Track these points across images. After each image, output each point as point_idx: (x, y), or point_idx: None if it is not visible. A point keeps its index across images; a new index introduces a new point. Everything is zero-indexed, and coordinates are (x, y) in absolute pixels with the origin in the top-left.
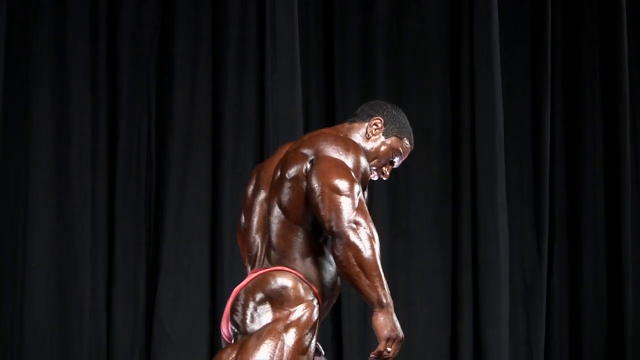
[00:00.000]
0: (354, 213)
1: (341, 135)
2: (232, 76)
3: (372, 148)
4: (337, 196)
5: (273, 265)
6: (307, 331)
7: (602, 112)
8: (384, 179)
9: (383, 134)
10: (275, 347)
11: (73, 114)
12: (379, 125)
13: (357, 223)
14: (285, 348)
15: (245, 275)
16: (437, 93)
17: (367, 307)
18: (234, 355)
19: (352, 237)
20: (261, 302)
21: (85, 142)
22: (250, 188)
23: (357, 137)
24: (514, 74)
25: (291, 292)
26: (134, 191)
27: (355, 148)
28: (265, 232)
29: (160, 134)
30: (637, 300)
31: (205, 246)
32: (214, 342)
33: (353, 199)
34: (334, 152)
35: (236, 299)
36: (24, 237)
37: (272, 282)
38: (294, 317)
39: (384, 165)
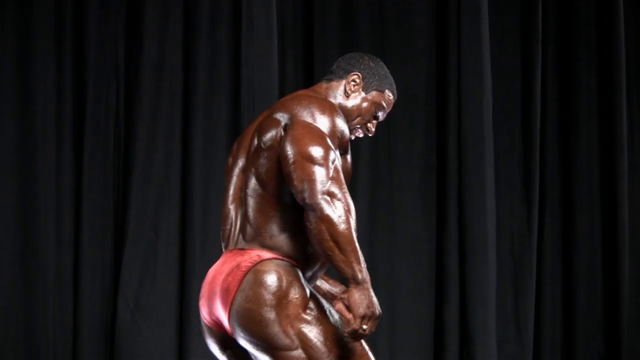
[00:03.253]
0: (329, 183)
1: (317, 96)
2: (205, 36)
3: (353, 106)
4: (311, 165)
5: (248, 243)
6: (302, 303)
7: (597, 71)
8: (370, 135)
9: (363, 90)
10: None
11: (36, 78)
12: (358, 80)
13: (331, 194)
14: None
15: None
16: (421, 54)
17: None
18: None
19: (326, 209)
20: (257, 313)
21: (51, 109)
22: (230, 160)
23: (337, 96)
24: (503, 32)
25: (280, 286)
26: (100, 159)
27: (331, 110)
28: (241, 205)
29: (129, 100)
30: (634, 273)
31: (174, 217)
32: (183, 319)
33: (327, 167)
34: (307, 115)
35: (225, 292)
36: None
37: (263, 292)
38: (291, 309)
39: (368, 121)
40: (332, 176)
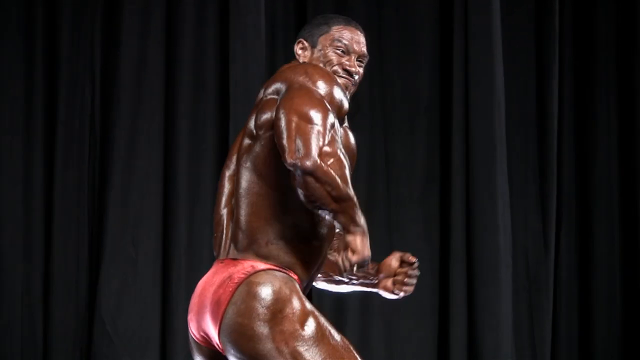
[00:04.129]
0: (326, 145)
1: (312, 63)
2: (189, 33)
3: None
4: (306, 124)
5: (241, 252)
6: (300, 316)
7: (617, 72)
8: (357, 75)
9: (311, 47)
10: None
11: (1, 79)
12: (302, 44)
13: (328, 154)
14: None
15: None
16: (423, 51)
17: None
18: None
19: (325, 170)
20: (250, 327)
21: (18, 113)
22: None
23: None
24: (516, 28)
25: (275, 299)
26: (74, 168)
27: (329, 76)
28: (233, 210)
29: (105, 103)
30: None
31: (156, 231)
32: (167, 344)
33: (325, 129)
34: (305, 80)
35: (215, 305)
36: None
37: (257, 305)
38: (287, 325)
39: (338, 63)
40: (328, 141)
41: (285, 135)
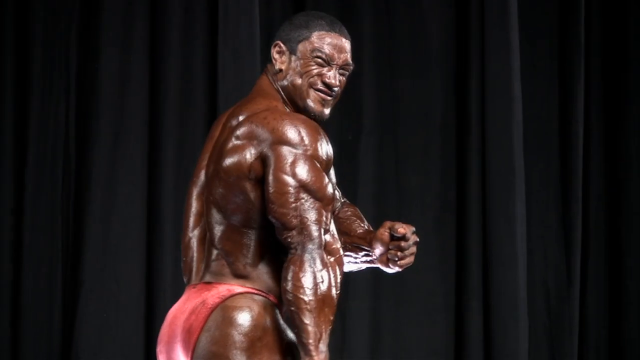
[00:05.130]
0: (327, 232)
1: (287, 112)
2: (176, 41)
3: (288, 75)
4: (312, 201)
5: (216, 275)
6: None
7: None
8: (337, 87)
9: (289, 53)
10: None
11: None
12: (279, 48)
13: (330, 249)
14: None
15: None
16: (436, 66)
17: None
18: None
19: (323, 266)
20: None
21: None
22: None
23: (274, 81)
24: (537, 41)
25: (254, 326)
26: (46, 193)
27: (314, 130)
28: (204, 231)
29: (82, 120)
30: None
31: (140, 262)
32: None
33: (327, 212)
34: (289, 140)
35: (187, 334)
36: None
37: (233, 332)
38: (266, 355)
39: (318, 74)
40: (329, 225)
41: (282, 211)
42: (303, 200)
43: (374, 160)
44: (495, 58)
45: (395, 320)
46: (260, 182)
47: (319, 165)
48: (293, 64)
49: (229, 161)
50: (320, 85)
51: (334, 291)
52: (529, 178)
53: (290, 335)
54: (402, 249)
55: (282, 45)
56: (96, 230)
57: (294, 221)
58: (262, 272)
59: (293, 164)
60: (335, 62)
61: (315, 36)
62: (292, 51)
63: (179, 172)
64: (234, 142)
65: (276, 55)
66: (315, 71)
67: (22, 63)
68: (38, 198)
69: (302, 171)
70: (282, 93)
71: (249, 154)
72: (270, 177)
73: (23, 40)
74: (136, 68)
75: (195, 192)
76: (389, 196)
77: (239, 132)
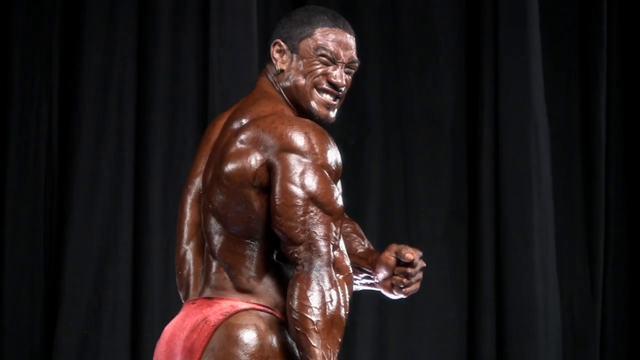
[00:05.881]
0: (337, 249)
1: (294, 117)
2: (165, 39)
3: (290, 75)
4: (323, 215)
5: (217, 290)
6: None
7: None
8: (343, 86)
9: (290, 51)
10: None
11: None
12: (279, 47)
13: (339, 267)
14: None
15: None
16: (447, 67)
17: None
18: None
19: (332, 285)
20: None
21: None
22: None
23: (275, 82)
24: (557, 39)
25: (260, 345)
26: (27, 200)
27: (323, 137)
28: (201, 243)
29: (65, 123)
30: None
31: (124, 275)
32: None
33: (338, 227)
34: (298, 148)
35: (188, 353)
36: None
37: (238, 352)
38: None
39: (323, 74)
40: (338, 241)
41: (288, 224)
42: (312, 214)
43: (379, 166)
44: (512, 58)
45: (404, 337)
46: (265, 190)
47: (328, 176)
48: (295, 64)
49: (231, 166)
50: (325, 85)
51: (342, 311)
52: (546, 183)
53: (298, 355)
54: (408, 276)
55: (282, 43)
56: (77, 240)
57: (302, 236)
58: (268, 286)
59: (302, 174)
60: (340, 60)
61: (318, 33)
62: (293, 49)
63: (168, 179)
64: (238, 146)
65: (276, 55)
66: (320, 70)
67: (2, 65)
68: (19, 208)
69: (312, 182)
70: (285, 95)
71: (254, 160)
72: (277, 188)
73: (2, 40)
74: (122, 70)
75: (189, 200)
76: (395, 204)
77: (243, 136)
